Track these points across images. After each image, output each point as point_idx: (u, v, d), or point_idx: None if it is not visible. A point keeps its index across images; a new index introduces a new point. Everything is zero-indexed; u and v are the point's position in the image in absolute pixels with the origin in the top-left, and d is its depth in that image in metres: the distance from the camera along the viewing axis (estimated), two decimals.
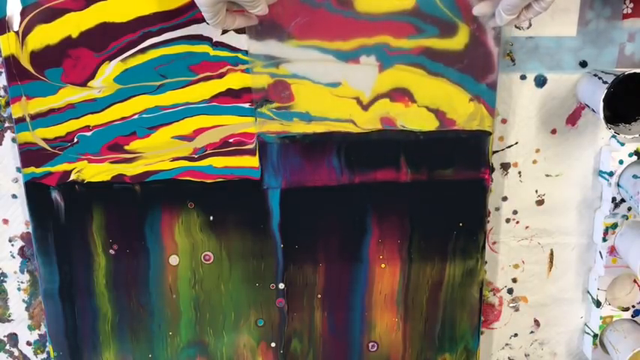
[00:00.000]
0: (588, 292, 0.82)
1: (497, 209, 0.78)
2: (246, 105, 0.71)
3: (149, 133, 0.72)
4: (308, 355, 0.80)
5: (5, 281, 0.79)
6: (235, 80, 0.70)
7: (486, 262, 0.80)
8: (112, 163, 0.72)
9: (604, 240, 0.78)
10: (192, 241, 0.75)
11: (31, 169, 0.72)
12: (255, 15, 0.64)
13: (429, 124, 0.72)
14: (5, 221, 0.77)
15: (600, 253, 0.79)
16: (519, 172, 0.77)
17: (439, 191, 0.74)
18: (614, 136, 0.75)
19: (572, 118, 0.76)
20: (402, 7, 0.68)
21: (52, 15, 0.67)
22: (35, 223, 0.74)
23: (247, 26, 0.68)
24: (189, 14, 0.68)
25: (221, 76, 0.70)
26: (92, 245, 0.75)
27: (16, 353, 0.82)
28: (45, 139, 0.71)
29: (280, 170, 0.73)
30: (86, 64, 0.69)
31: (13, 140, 0.73)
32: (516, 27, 0.72)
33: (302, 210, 0.75)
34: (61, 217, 0.74)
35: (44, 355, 0.82)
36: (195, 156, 0.73)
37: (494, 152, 0.76)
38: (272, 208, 0.75)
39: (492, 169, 0.77)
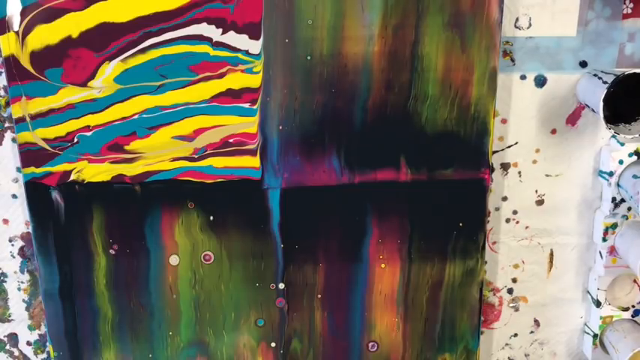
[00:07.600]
0: (588, 292, 0.82)
1: (497, 209, 0.78)
2: (246, 105, 0.71)
3: (149, 133, 0.72)
4: (308, 355, 0.80)
5: (5, 281, 0.79)
6: (235, 80, 0.70)
7: (486, 262, 0.80)
8: (112, 163, 0.72)
9: (604, 240, 0.77)
10: (193, 241, 0.75)
11: (31, 169, 0.72)
12: None
13: None
14: (5, 221, 0.77)
15: (600, 253, 0.79)
16: (519, 172, 0.77)
17: (439, 191, 0.74)
18: (614, 136, 0.75)
19: (572, 118, 0.76)
20: None
21: (52, 15, 0.67)
22: (35, 223, 0.74)
23: None
24: (189, 14, 0.68)
25: (221, 76, 0.70)
26: (92, 245, 0.75)
27: (16, 353, 0.82)
28: (45, 139, 0.71)
29: (280, 170, 0.73)
30: (86, 64, 0.69)
31: (13, 140, 0.73)
32: (516, 27, 0.72)
33: (302, 210, 0.75)
34: (61, 217, 0.74)
35: (44, 355, 0.82)
36: (196, 156, 0.73)
37: (494, 152, 0.76)
38: (272, 208, 0.74)
39: (492, 169, 0.77)
